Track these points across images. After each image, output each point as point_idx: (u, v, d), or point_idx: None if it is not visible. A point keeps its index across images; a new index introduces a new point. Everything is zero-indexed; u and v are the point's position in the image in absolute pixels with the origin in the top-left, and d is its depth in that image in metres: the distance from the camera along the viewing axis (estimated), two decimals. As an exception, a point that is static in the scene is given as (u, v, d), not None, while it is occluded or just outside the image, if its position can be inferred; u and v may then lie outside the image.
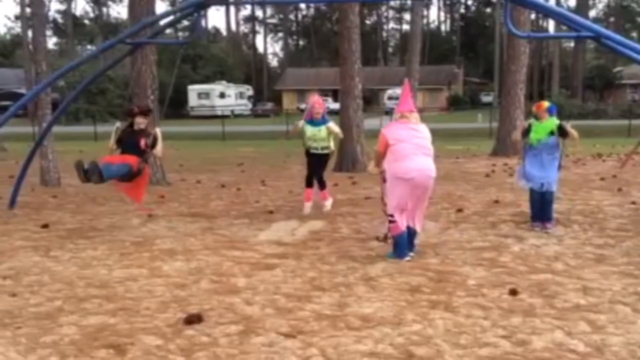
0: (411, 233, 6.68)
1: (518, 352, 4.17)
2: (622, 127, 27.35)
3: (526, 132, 8.07)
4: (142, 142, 7.75)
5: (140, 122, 7.91)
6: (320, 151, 9.17)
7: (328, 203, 9.39)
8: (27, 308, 5.22)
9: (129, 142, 7.77)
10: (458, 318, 4.81)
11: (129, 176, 7.73)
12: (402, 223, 6.55)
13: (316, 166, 9.26)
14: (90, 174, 7.37)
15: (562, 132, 7.79)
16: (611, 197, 10.34)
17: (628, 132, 25.89)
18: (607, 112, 41.90)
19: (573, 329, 4.54)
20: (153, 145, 7.90)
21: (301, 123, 9.26)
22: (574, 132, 7.79)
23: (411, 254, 6.61)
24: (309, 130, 9.13)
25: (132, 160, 7.66)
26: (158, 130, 8.05)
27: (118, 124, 8.21)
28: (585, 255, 6.66)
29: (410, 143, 6.56)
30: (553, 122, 7.86)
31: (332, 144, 9.35)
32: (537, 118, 8.01)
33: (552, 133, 7.79)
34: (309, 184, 9.37)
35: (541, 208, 7.91)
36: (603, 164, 15.72)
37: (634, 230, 7.81)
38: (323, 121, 9.14)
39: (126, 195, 8.60)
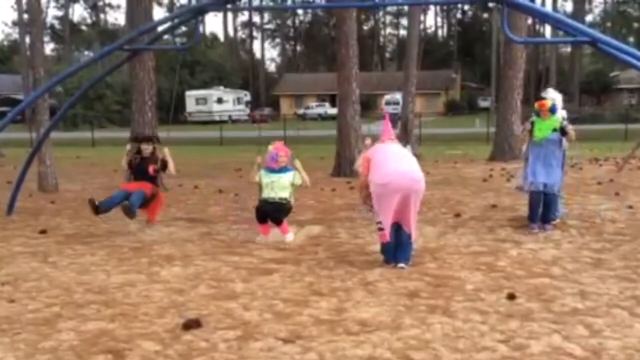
0: (404, 242, 6.51)
1: (516, 356, 4.18)
2: (619, 132, 27.41)
3: (530, 129, 8.13)
4: (151, 169, 8.37)
5: (145, 148, 8.51)
6: (277, 200, 7.74)
7: (289, 236, 7.77)
8: (25, 314, 5.22)
9: (138, 169, 8.45)
10: (456, 322, 4.82)
11: (144, 201, 8.38)
12: (389, 233, 6.43)
13: (271, 212, 7.68)
14: (103, 210, 8.14)
15: (562, 131, 7.92)
16: (608, 201, 10.36)
17: (625, 137, 25.93)
18: (604, 117, 42.05)
19: (570, 333, 4.55)
20: (163, 168, 8.45)
21: (257, 176, 7.92)
22: (572, 133, 7.94)
23: (401, 265, 6.41)
24: (266, 177, 7.79)
25: (145, 187, 8.29)
26: (166, 151, 8.43)
27: (128, 146, 8.81)
28: (583, 260, 6.68)
29: (383, 153, 6.70)
30: (556, 120, 7.96)
31: (292, 199, 7.92)
32: (539, 115, 8.05)
33: (554, 130, 7.92)
34: (261, 220, 7.79)
35: (542, 210, 7.95)
36: (600, 168, 15.75)
37: (631, 235, 7.83)
38: (286, 170, 7.85)
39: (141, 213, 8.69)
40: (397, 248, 6.54)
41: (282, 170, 7.83)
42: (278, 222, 7.73)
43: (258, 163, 7.95)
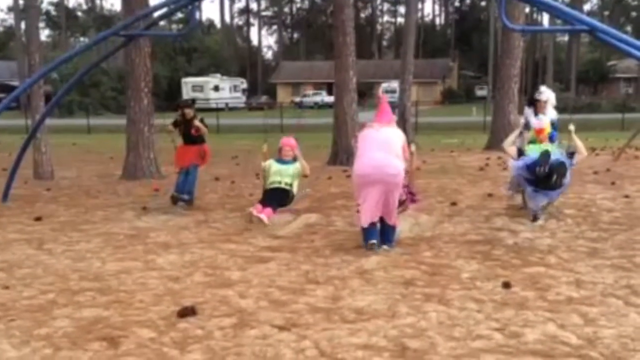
0: (385, 228, 6.70)
1: (511, 344, 4.19)
2: (616, 121, 27.43)
3: (520, 154, 7.71)
4: (193, 130, 9.49)
5: (188, 112, 9.59)
6: (282, 185, 8.45)
7: (264, 218, 7.91)
8: (20, 301, 5.22)
9: (185, 133, 9.58)
10: (452, 311, 4.83)
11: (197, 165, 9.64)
12: (365, 217, 6.60)
13: (273, 199, 8.27)
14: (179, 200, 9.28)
15: (568, 155, 7.52)
16: (604, 191, 10.38)
17: (622, 126, 25.96)
18: (601, 106, 42.03)
19: (565, 322, 4.56)
20: (198, 129, 9.50)
21: (268, 163, 8.66)
22: (581, 148, 7.68)
23: (384, 247, 6.61)
24: (275, 166, 8.58)
25: (195, 156, 9.55)
26: (196, 121, 9.50)
27: (167, 121, 10.03)
28: (578, 249, 6.68)
29: (366, 141, 6.77)
30: (553, 148, 7.52)
31: (295, 186, 8.61)
32: (534, 142, 7.71)
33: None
34: (264, 204, 8.21)
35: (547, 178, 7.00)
36: (596, 157, 15.75)
37: (627, 224, 7.84)
38: (292, 161, 8.62)
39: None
40: (381, 234, 6.71)
41: (289, 162, 8.65)
42: (274, 207, 8.29)
43: (264, 152, 8.76)
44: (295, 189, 8.65)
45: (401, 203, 6.99)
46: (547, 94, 8.33)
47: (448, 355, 4.05)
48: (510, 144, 8.14)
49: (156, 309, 4.97)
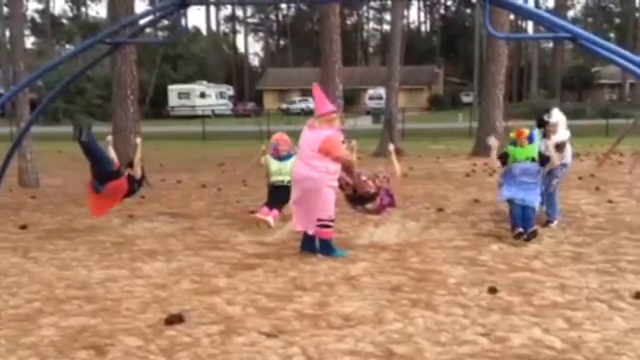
0: (309, 236, 6.89)
1: (497, 349, 4.23)
2: (600, 127, 27.65)
3: (504, 158, 7.79)
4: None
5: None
6: (286, 183, 8.33)
7: (271, 219, 8.22)
8: (6, 310, 5.18)
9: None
10: (438, 316, 4.86)
11: (110, 171, 8.26)
12: (295, 219, 6.99)
13: (279, 198, 8.41)
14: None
15: (542, 159, 7.65)
16: (589, 196, 10.48)
17: (606, 132, 26.19)
18: (585, 112, 42.33)
19: (550, 326, 4.61)
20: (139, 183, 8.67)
21: (263, 158, 8.77)
22: (554, 159, 7.75)
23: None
24: (274, 164, 8.65)
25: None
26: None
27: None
28: (563, 254, 6.75)
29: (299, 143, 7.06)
30: (533, 148, 7.65)
31: None
32: (515, 144, 7.74)
33: (533, 160, 7.58)
34: (272, 205, 8.50)
35: (523, 220, 7.41)
36: (581, 163, 15.89)
37: (611, 229, 7.92)
38: (289, 156, 8.57)
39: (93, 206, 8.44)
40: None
41: (286, 157, 8.59)
42: (280, 207, 8.47)
43: (263, 149, 8.83)
44: None
45: (372, 197, 7.19)
46: (557, 118, 8.31)
47: (435, 360, 4.07)
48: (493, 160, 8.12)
49: (143, 316, 4.95)
